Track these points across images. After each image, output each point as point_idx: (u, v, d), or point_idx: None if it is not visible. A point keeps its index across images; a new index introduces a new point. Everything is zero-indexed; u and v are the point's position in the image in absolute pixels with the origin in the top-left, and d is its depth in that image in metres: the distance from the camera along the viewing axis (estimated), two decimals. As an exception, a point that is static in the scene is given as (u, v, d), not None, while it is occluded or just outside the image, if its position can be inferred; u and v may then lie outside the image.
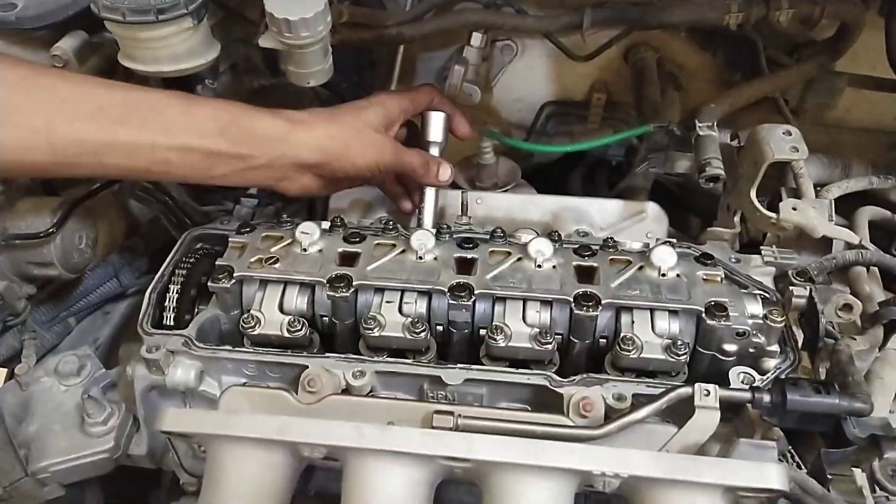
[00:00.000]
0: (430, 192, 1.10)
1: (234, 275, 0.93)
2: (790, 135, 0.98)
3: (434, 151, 1.11)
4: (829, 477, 0.77)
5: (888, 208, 1.22)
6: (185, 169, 0.87)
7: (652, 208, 1.19)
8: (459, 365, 0.88)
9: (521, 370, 0.88)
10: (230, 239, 1.00)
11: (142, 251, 1.27)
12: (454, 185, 1.28)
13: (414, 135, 1.13)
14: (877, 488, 0.77)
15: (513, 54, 1.48)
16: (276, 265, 0.95)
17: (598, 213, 1.19)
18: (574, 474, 0.67)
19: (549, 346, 0.88)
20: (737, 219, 1.08)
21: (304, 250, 0.97)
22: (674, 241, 1.05)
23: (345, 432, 0.66)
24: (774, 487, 0.64)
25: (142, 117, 0.83)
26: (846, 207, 1.25)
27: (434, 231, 1.01)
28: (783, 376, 0.84)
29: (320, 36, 0.97)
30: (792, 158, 0.95)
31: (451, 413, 0.79)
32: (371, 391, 0.89)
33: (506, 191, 1.31)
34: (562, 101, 1.52)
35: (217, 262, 0.95)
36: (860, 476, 0.79)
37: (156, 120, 0.84)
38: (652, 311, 0.90)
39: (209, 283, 0.93)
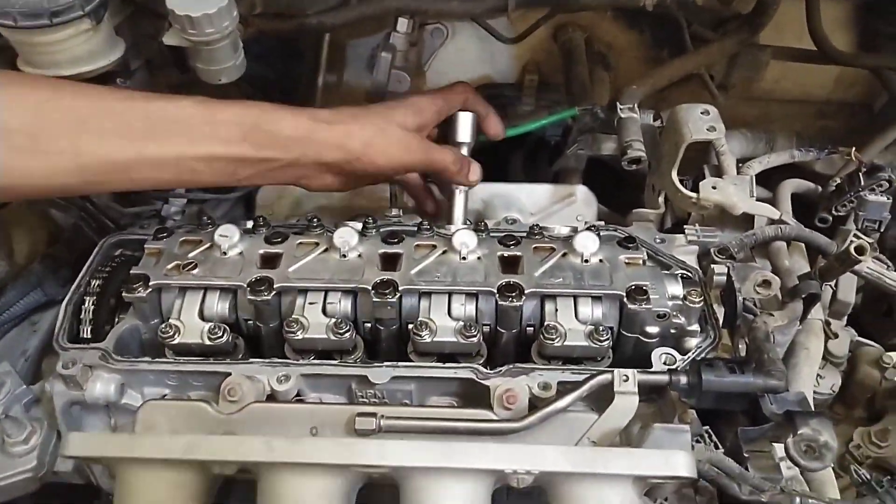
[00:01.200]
0: (459, 193, 1.08)
1: (150, 283, 0.91)
2: (708, 114, 0.99)
3: (463, 152, 1.08)
4: (747, 455, 0.79)
5: (813, 179, 1.24)
6: (211, 176, 0.88)
7: (581, 191, 1.19)
8: (386, 363, 0.87)
9: (448, 364, 0.87)
10: (146, 245, 0.97)
11: (65, 258, 1.22)
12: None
13: (442, 133, 1.10)
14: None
15: (443, 38, 1.45)
16: (195, 271, 0.93)
17: (528, 199, 1.19)
18: (487, 473, 0.67)
19: (475, 339, 0.88)
20: (661, 199, 1.08)
21: (224, 254, 0.95)
22: (600, 223, 1.05)
23: (254, 447, 0.65)
24: (681, 475, 0.65)
25: (166, 130, 0.84)
26: (775, 179, 1.27)
27: (359, 228, 0.99)
28: (702, 356, 0.85)
29: (227, 31, 0.94)
30: (709, 138, 0.96)
31: (373, 415, 0.78)
32: (298, 395, 0.88)
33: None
34: (495, 84, 1.51)
35: (132, 271, 0.93)
36: (779, 451, 0.81)
37: (180, 131, 0.84)
38: (575, 297, 0.90)
39: (124, 294, 0.91)
